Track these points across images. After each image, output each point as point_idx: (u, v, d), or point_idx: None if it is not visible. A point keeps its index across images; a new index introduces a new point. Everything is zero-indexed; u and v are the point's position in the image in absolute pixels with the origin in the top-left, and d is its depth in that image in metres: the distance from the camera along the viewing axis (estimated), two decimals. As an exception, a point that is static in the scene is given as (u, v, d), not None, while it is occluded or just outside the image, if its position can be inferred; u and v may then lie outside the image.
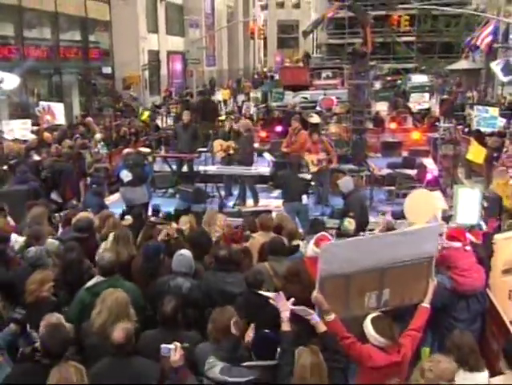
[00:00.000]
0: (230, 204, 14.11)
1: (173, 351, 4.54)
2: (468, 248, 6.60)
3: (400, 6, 41.91)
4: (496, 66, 16.47)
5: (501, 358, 5.06)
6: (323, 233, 6.99)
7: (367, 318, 5.06)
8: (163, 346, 4.64)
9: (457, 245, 6.49)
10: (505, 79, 17.52)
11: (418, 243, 5.36)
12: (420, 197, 9.35)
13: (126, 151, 13.30)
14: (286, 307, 5.03)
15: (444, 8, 42.64)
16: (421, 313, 5.38)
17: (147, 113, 25.67)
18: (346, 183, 10.75)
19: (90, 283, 6.37)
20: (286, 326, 4.95)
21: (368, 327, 4.99)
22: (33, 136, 16.70)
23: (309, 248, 6.72)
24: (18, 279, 6.77)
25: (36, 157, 14.25)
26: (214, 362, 4.87)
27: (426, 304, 5.43)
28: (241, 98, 38.71)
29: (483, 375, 4.94)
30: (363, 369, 5.03)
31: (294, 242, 8.00)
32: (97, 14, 33.08)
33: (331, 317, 5.03)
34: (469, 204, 9.05)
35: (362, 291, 5.26)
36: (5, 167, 13.58)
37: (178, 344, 4.54)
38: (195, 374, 5.05)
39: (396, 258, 5.27)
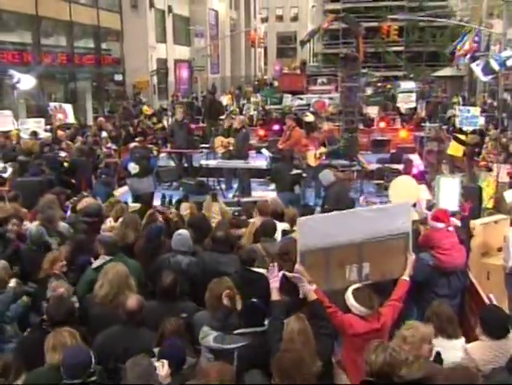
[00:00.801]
0: (230, 196, 14.07)
1: (160, 367, 4.15)
2: (451, 228, 6.58)
3: (390, 16, 41.78)
4: (476, 67, 16.43)
5: (477, 326, 5.02)
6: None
7: (348, 290, 5.04)
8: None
9: (441, 225, 6.48)
10: (484, 79, 17.49)
11: (390, 219, 5.34)
12: (404, 183, 9.35)
13: (133, 145, 13.35)
14: (276, 279, 5.02)
15: (431, 19, 42.64)
16: (401, 285, 5.37)
17: (145, 107, 25.81)
18: (326, 176, 10.51)
19: (96, 263, 6.35)
20: (275, 296, 4.96)
21: (350, 298, 4.97)
22: (47, 134, 16.72)
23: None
24: (25, 257, 6.86)
25: (62, 153, 14.25)
26: (208, 331, 4.84)
27: (406, 277, 5.42)
28: (243, 102, 38.71)
29: (460, 342, 4.93)
30: (346, 336, 5.04)
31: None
32: (109, 24, 33.13)
33: (313, 287, 5.02)
34: (449, 192, 9.08)
35: (341, 264, 5.24)
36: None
37: (165, 361, 4.13)
38: (192, 342, 5.04)
39: (371, 233, 5.26)
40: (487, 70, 15.42)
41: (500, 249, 8.65)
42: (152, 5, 37.58)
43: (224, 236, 6.70)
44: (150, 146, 14.90)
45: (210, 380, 3.92)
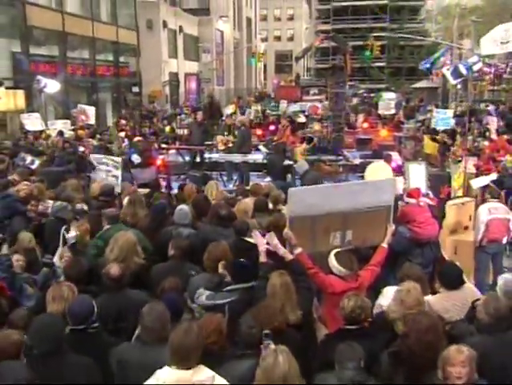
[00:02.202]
0: (231, 186, 14.00)
1: None
2: (422, 204, 6.55)
3: (374, 34, 41.82)
4: (447, 71, 16.41)
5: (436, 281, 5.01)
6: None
7: (331, 253, 4.96)
8: None
9: (413, 201, 6.43)
10: (454, 82, 17.38)
11: (376, 192, 5.26)
12: (378, 166, 9.28)
13: (136, 139, 13.36)
14: (262, 243, 5.05)
15: (410, 36, 42.69)
16: (380, 251, 5.31)
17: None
18: (300, 165, 10.30)
19: (100, 232, 6.38)
20: (262, 258, 4.99)
21: (332, 260, 4.92)
22: (71, 133, 16.70)
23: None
24: (48, 229, 6.79)
25: (81, 148, 14.22)
26: (202, 291, 4.80)
27: (384, 244, 5.35)
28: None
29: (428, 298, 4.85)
30: (326, 294, 4.99)
31: (278, 206, 7.89)
32: (127, 40, 32.98)
33: (298, 250, 4.98)
34: (417, 176, 9.07)
35: (327, 230, 5.18)
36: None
37: None
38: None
39: (357, 205, 5.17)
40: (456, 74, 15.38)
41: (466, 228, 8.61)
42: (165, 25, 37.75)
43: (227, 214, 6.66)
44: (151, 140, 14.86)
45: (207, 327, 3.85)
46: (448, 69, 16.65)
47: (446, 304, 4.73)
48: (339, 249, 5.02)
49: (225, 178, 14.62)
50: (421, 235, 6.37)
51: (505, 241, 7.87)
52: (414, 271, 4.94)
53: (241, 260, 4.93)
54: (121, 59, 32.90)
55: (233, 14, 54.74)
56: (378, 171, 8.84)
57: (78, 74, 27.19)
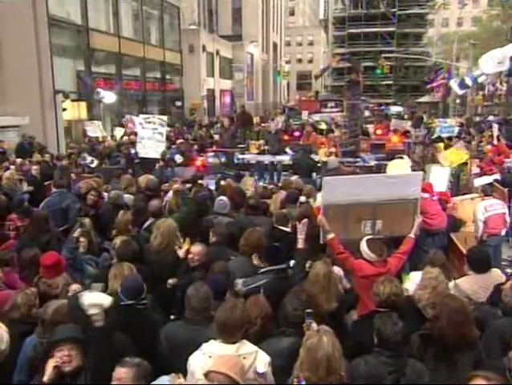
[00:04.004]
0: (261, 183, 13.65)
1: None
2: (435, 198, 6.12)
3: (383, 55, 41.14)
4: (454, 83, 15.79)
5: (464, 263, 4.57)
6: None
7: (363, 239, 4.56)
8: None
9: (426, 195, 6.01)
10: (460, 92, 16.80)
11: (403, 185, 4.84)
12: (398, 163, 8.80)
13: (179, 141, 13.13)
14: (302, 232, 4.62)
15: (417, 57, 41.96)
16: (407, 241, 4.83)
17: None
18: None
19: (146, 224, 6.16)
20: (300, 245, 4.56)
21: (363, 245, 4.50)
22: (125, 138, 16.57)
23: (317, 200, 6.32)
24: (105, 213, 6.54)
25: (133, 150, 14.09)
26: (237, 281, 4.44)
27: (412, 234, 4.87)
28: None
29: (451, 284, 4.42)
30: (356, 278, 4.56)
31: (310, 199, 7.53)
32: (172, 61, 32.87)
33: (331, 235, 4.59)
34: (439, 177, 8.55)
35: (358, 219, 4.77)
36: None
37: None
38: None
39: (386, 196, 4.76)
40: (462, 85, 14.78)
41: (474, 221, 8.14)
42: (204, 49, 37.86)
43: (255, 202, 6.39)
44: (192, 142, 14.60)
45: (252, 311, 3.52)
46: (455, 81, 16.03)
47: (474, 286, 4.32)
48: (370, 236, 4.61)
49: (256, 177, 14.25)
50: (433, 226, 6.00)
51: (503, 232, 7.40)
52: (439, 258, 4.53)
53: (275, 244, 4.61)
54: (167, 77, 32.81)
55: (262, 39, 54.66)
56: (398, 167, 8.37)
57: (131, 89, 27.18)
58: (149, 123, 9.81)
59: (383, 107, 37.69)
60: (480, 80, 15.14)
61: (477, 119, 29.39)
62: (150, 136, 9.47)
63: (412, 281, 4.28)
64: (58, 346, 3.04)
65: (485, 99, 36.96)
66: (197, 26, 39.79)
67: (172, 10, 33.61)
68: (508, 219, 7.35)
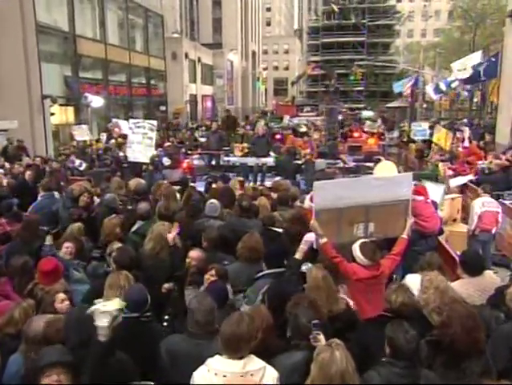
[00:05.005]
0: (246, 185, 13.28)
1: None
2: (429, 201, 5.85)
3: (356, 63, 41.21)
4: (429, 88, 15.69)
5: (458, 266, 4.30)
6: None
7: (355, 243, 4.25)
8: None
9: (420, 198, 5.72)
10: (435, 97, 16.71)
11: (395, 186, 4.53)
12: (385, 165, 8.51)
13: (166, 144, 12.72)
14: (305, 243, 4.33)
15: (387, 65, 42.12)
16: (401, 242, 4.53)
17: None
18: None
19: (134, 227, 5.70)
20: (298, 255, 4.27)
21: (356, 249, 4.19)
22: (112, 141, 15.98)
23: (306, 202, 5.98)
24: (98, 216, 6.12)
25: (121, 153, 13.55)
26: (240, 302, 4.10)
27: (404, 235, 4.57)
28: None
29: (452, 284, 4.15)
30: (351, 281, 4.22)
31: (295, 203, 7.20)
32: (157, 67, 32.33)
33: (324, 240, 4.25)
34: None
35: (351, 222, 4.43)
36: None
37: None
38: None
39: (378, 198, 4.43)
40: (437, 90, 14.67)
41: (455, 220, 7.96)
42: (186, 56, 37.53)
43: (248, 204, 5.99)
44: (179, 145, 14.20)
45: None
46: (430, 86, 15.95)
47: (470, 289, 4.05)
48: (363, 240, 4.31)
49: (241, 178, 13.89)
50: (427, 228, 5.70)
51: (494, 231, 7.23)
52: (435, 260, 4.24)
53: (275, 247, 4.30)
54: (152, 82, 32.27)
55: (241, 47, 54.61)
56: (386, 169, 8.12)
57: (117, 94, 26.56)
58: (139, 127, 9.37)
59: (356, 112, 37.75)
60: (453, 86, 15.12)
61: (442, 123, 29.75)
62: (139, 141, 9.05)
63: (409, 283, 3.99)
64: (46, 371, 2.66)
65: (451, 104, 37.31)
66: (180, 35, 39.32)
67: (156, 20, 33.05)
68: (500, 219, 7.18)
